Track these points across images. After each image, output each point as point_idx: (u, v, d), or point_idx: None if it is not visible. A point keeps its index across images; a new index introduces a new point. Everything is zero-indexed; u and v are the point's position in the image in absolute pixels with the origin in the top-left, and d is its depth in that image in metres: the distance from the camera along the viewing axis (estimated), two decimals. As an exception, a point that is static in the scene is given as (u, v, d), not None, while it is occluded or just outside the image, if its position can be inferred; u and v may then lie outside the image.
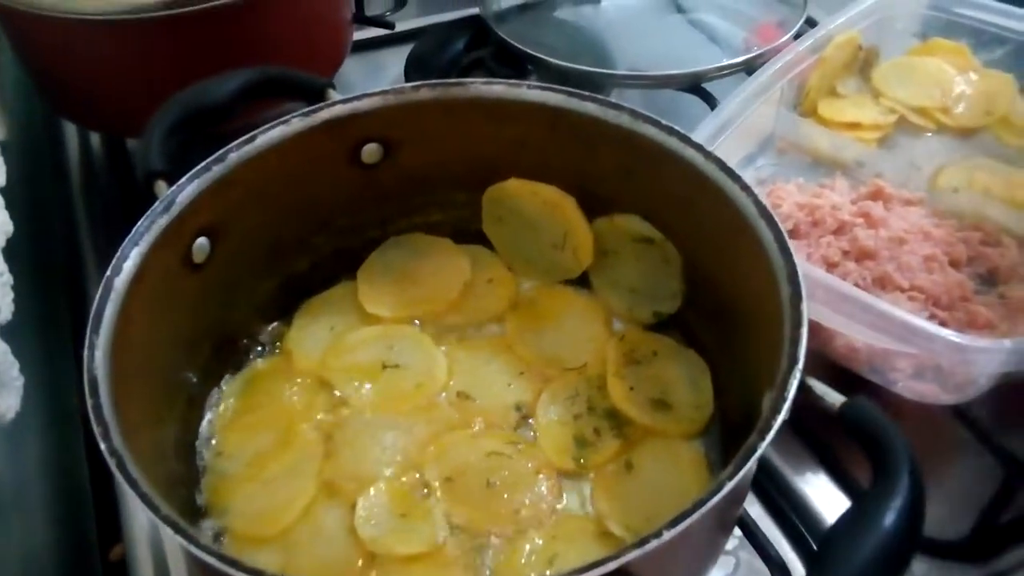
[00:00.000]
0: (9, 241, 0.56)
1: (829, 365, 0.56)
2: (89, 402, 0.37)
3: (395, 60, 0.92)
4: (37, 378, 0.55)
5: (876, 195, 0.63)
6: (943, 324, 0.55)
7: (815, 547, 0.32)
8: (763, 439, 0.35)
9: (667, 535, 0.32)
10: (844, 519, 0.33)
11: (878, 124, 0.73)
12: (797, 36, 0.80)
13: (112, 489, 0.55)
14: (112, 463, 0.35)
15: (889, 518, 0.31)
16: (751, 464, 0.35)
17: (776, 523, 0.51)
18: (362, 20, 0.91)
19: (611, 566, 0.32)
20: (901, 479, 0.32)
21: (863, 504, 0.32)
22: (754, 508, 0.53)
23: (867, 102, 0.75)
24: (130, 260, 0.43)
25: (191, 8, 0.66)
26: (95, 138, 0.83)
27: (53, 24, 0.66)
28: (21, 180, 0.66)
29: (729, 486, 0.34)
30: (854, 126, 0.72)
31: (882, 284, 0.57)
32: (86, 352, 0.39)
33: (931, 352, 0.51)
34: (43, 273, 0.68)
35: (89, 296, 0.68)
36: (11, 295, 0.52)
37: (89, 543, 0.55)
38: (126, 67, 0.70)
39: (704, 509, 0.33)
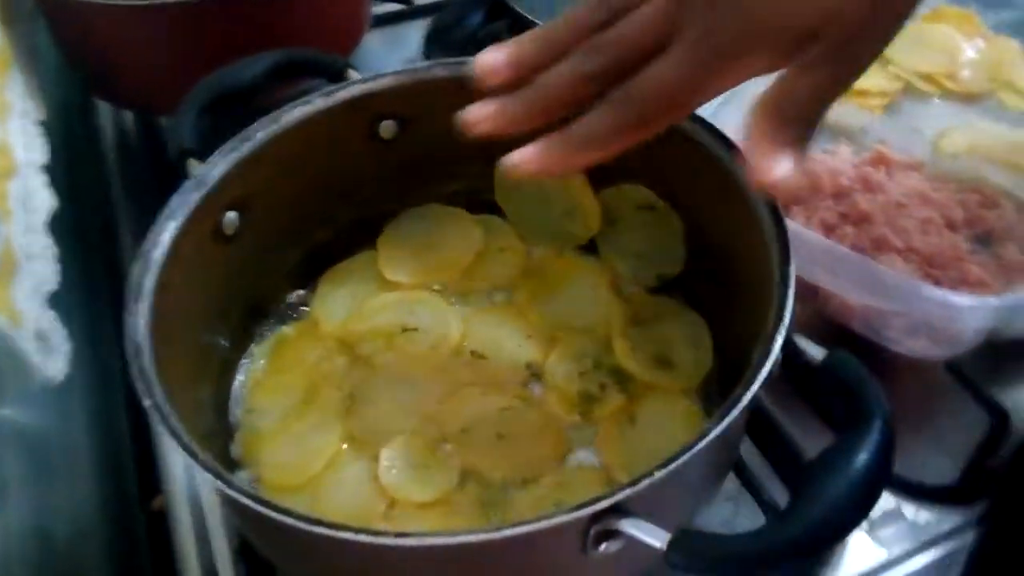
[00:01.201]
0: (52, 216, 0.60)
1: (825, 323, 0.58)
2: (133, 365, 0.41)
3: (414, 34, 0.95)
4: (80, 343, 0.59)
5: (878, 161, 0.65)
6: (936, 283, 0.57)
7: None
8: (748, 391, 0.38)
9: (658, 475, 0.35)
10: (819, 460, 0.36)
11: (884, 91, 0.74)
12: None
13: (150, 445, 0.60)
14: (156, 418, 0.39)
15: (863, 457, 0.34)
16: (736, 413, 0.37)
17: (774, 470, 0.54)
18: (381, -3, 0.94)
19: (605, 503, 0.35)
20: (875, 424, 0.35)
21: (841, 444, 0.35)
22: (756, 457, 0.56)
23: (874, 69, 0.76)
24: (166, 234, 0.47)
25: (218, -8, 0.69)
26: (128, 116, 0.86)
27: (90, 10, 0.69)
28: (58, 158, 0.70)
29: (714, 433, 0.37)
30: (860, 93, 0.74)
31: (878, 246, 0.59)
32: (128, 320, 0.43)
33: (922, 310, 0.53)
34: (82, 246, 0.72)
35: (125, 266, 0.72)
36: (56, 266, 0.56)
37: (131, 495, 0.60)
38: (157, 49, 0.73)
39: (691, 453, 0.36)
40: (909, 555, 0.52)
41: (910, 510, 0.54)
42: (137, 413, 0.62)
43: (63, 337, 0.52)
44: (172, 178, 0.77)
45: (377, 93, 0.56)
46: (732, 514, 0.53)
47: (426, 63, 0.57)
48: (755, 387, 0.38)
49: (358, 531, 0.34)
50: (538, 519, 0.35)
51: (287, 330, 0.58)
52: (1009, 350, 0.58)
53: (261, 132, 0.53)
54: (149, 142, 0.84)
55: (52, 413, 0.56)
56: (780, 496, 0.52)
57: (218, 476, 0.37)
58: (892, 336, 0.57)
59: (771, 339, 0.40)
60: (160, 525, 0.56)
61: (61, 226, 0.61)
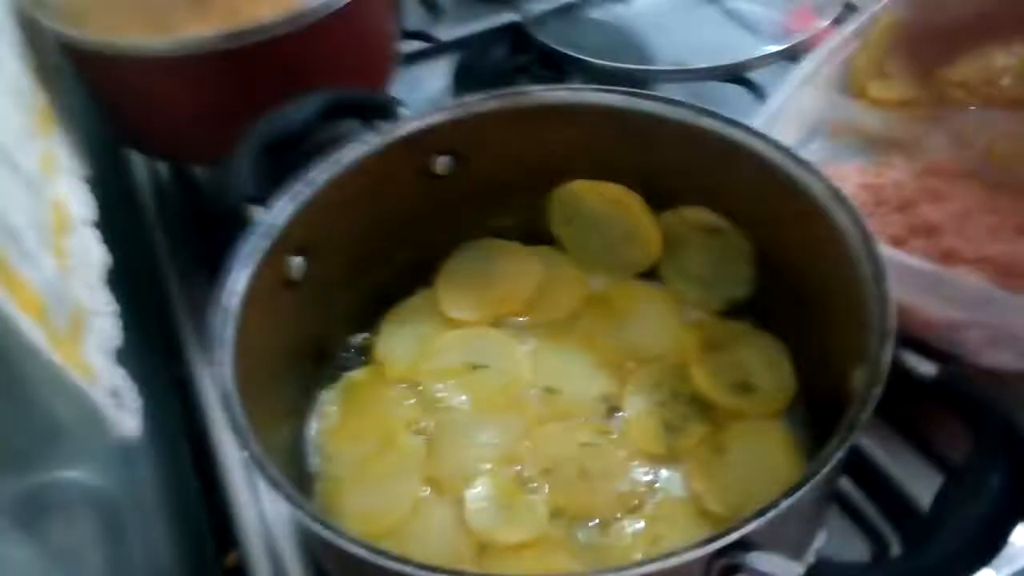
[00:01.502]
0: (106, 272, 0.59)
1: (905, 340, 0.57)
2: (226, 415, 0.40)
3: (436, 72, 0.95)
4: (143, 399, 0.58)
5: (934, 171, 0.65)
6: (1014, 291, 0.56)
7: (925, 512, 0.34)
8: (864, 410, 0.37)
9: (784, 503, 0.34)
10: (951, 485, 0.34)
11: (924, 102, 0.74)
12: (837, 21, 0.82)
13: (221, 499, 0.58)
14: (257, 468, 0.38)
15: (995, 479, 0.33)
16: (854, 436, 0.36)
17: (866, 496, 0.53)
18: (405, 35, 0.94)
19: (733, 537, 0.34)
20: (1002, 441, 0.34)
21: (969, 467, 0.34)
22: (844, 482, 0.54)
23: (912, 80, 0.76)
24: (240, 283, 0.46)
25: (249, 40, 0.68)
26: (163, 168, 0.86)
27: (125, 63, 0.69)
28: (101, 213, 0.69)
29: (837, 456, 0.35)
30: (903, 104, 0.73)
31: (949, 257, 0.58)
32: (214, 370, 0.42)
33: (1004, 318, 0.52)
34: (132, 300, 0.71)
35: (176, 319, 0.71)
36: (118, 322, 0.55)
37: (207, 553, 0.58)
38: (192, 98, 0.73)
39: (816, 478, 0.35)
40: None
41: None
42: (204, 467, 0.61)
43: (134, 393, 0.51)
44: (213, 227, 0.76)
45: (432, 129, 0.56)
46: (826, 540, 0.51)
47: (478, 96, 0.56)
48: (871, 406, 0.37)
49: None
50: (664, 557, 0.34)
51: (356, 374, 0.57)
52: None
53: (321, 175, 0.52)
54: (186, 192, 0.83)
55: (120, 473, 0.54)
56: (881, 524, 0.50)
57: (326, 526, 0.36)
58: (973, 349, 0.55)
59: (879, 358, 0.39)
60: (236, 582, 0.55)
61: (112, 282, 0.61)
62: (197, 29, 0.69)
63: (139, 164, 0.87)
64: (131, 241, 0.79)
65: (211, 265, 0.75)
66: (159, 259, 0.76)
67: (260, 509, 0.55)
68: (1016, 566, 0.49)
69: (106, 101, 0.77)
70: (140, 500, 0.55)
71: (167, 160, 0.85)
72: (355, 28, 0.76)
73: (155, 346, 0.70)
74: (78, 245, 0.55)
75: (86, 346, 0.47)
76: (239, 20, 0.69)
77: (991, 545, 0.33)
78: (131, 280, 0.73)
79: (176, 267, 0.75)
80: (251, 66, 0.70)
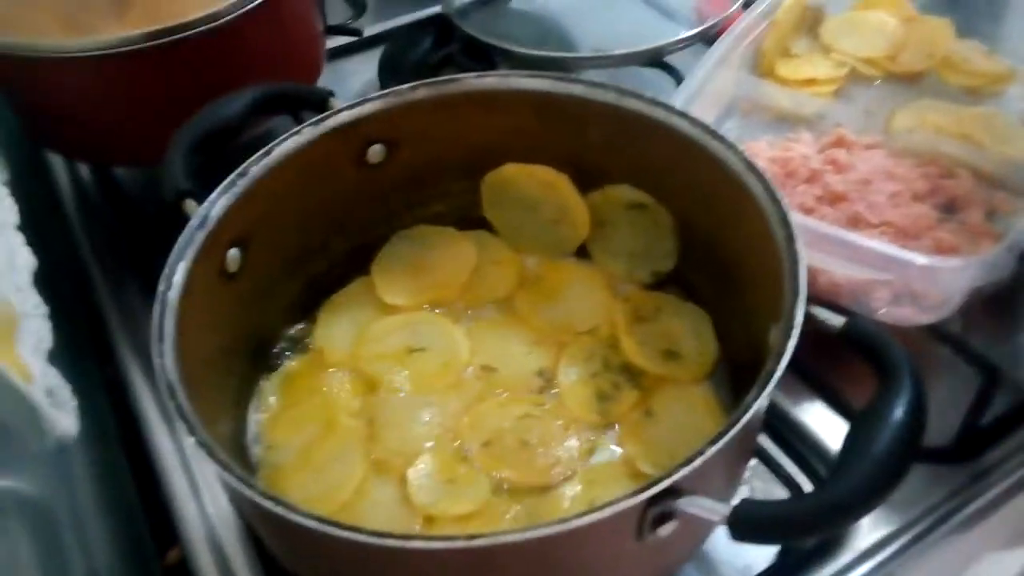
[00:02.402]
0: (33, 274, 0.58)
1: (815, 302, 0.61)
2: (171, 404, 0.40)
3: (363, 66, 0.95)
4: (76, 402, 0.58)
5: (839, 143, 0.68)
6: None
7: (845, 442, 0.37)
8: (779, 363, 0.40)
9: (711, 451, 0.36)
10: (858, 425, 0.37)
11: (831, 77, 0.78)
12: (747, 4, 0.85)
13: (160, 497, 0.58)
14: (207, 454, 0.38)
15: (899, 411, 0.36)
16: (771, 387, 0.39)
17: (781, 449, 0.56)
18: (329, 30, 0.94)
19: (663, 484, 0.36)
20: (904, 378, 0.37)
21: (875, 404, 0.37)
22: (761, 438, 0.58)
23: (819, 59, 0.80)
24: (178, 275, 0.46)
25: (173, 38, 0.68)
26: (83, 170, 0.85)
27: (43, 65, 0.68)
28: (23, 216, 0.68)
29: (755, 407, 0.38)
30: (810, 82, 0.77)
31: (855, 223, 0.62)
32: (156, 361, 0.42)
33: (906, 276, 0.56)
34: (59, 302, 0.70)
35: (105, 318, 0.70)
36: (49, 324, 0.55)
37: (148, 554, 0.58)
38: (114, 99, 0.72)
39: (737, 427, 0.37)
40: (921, 517, 0.53)
41: (914, 474, 0.56)
42: (142, 466, 0.61)
43: (69, 393, 0.50)
44: (139, 228, 0.76)
45: (365, 118, 0.57)
46: (750, 494, 0.55)
47: (408, 84, 0.58)
48: (786, 358, 0.40)
49: (440, 538, 0.34)
50: (599, 508, 0.36)
51: (294, 364, 0.57)
52: (983, 309, 0.61)
53: (256, 167, 0.53)
54: (109, 193, 0.82)
55: (55, 479, 0.54)
56: (796, 473, 0.54)
57: (276, 502, 0.37)
58: (878, 306, 0.59)
59: (792, 313, 0.42)
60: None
61: (39, 284, 0.60)
62: (118, 29, 0.68)
63: (59, 166, 0.85)
64: (55, 243, 0.78)
65: (140, 265, 0.74)
66: (84, 261, 0.75)
67: (201, 503, 0.56)
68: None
69: (23, 104, 0.75)
70: (75, 504, 0.54)
71: (89, 162, 0.83)
72: (278, 24, 0.77)
73: (85, 348, 0.69)
74: (4, 248, 0.54)
75: (20, 347, 0.47)
76: (160, 19, 0.68)
77: (897, 471, 0.36)
78: (57, 282, 0.72)
79: (103, 268, 0.74)
80: (172, 65, 0.70)
